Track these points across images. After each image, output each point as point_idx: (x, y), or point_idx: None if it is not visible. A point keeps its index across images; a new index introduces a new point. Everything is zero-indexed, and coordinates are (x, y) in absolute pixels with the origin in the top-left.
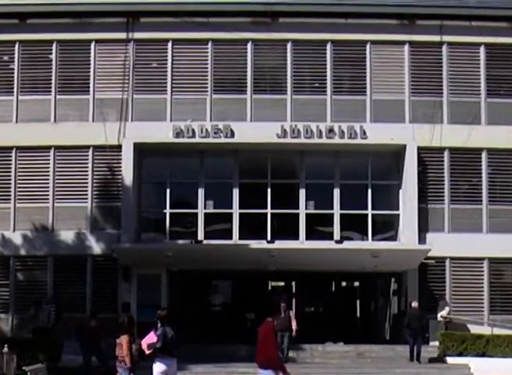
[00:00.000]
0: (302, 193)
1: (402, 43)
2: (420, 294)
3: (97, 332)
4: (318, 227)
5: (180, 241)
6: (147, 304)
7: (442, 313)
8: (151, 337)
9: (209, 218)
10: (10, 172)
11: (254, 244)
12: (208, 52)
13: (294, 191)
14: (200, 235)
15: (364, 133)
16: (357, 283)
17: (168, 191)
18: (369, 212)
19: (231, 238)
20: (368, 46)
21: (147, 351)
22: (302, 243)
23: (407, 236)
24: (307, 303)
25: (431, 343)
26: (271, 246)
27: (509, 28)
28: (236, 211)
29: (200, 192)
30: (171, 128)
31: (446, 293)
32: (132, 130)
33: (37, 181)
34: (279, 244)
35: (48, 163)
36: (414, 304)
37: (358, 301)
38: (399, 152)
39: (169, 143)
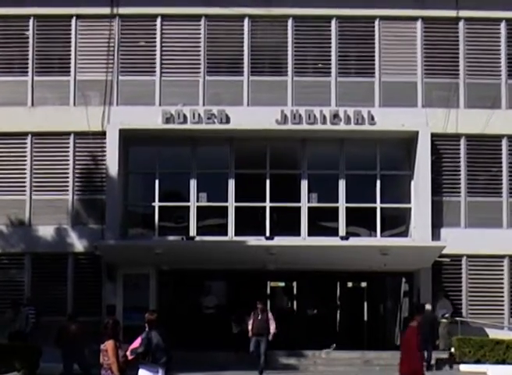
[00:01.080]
0: (304, 184)
1: (414, 19)
2: (433, 295)
3: (80, 337)
4: (322, 222)
5: (170, 238)
6: (134, 306)
7: (447, 315)
8: (137, 343)
9: (202, 212)
10: None
11: (252, 240)
12: (200, 29)
13: (295, 182)
14: (193, 231)
15: (373, 118)
16: (364, 284)
17: (157, 182)
18: (378, 205)
19: (226, 234)
20: (376, 22)
21: (130, 357)
22: (304, 239)
23: (420, 232)
24: (310, 305)
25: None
26: (270, 243)
27: None
28: (231, 204)
29: (193, 184)
30: (160, 113)
31: (463, 293)
32: (117, 115)
33: (13, 171)
34: (279, 240)
35: (25, 151)
36: (427, 306)
37: (365, 304)
38: (410, 140)
39: (158, 129)
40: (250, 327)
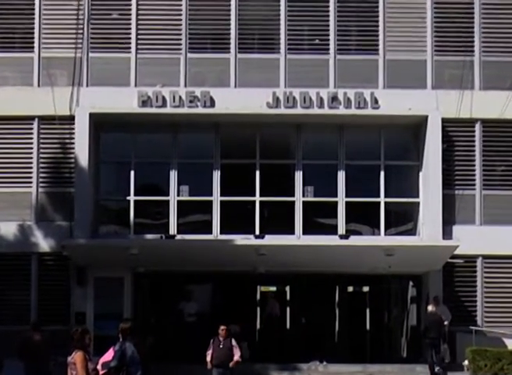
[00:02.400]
0: (299, 176)
1: None
2: (445, 300)
3: (45, 349)
4: (319, 219)
5: (148, 236)
6: (107, 314)
7: (446, 323)
8: (109, 355)
9: (183, 207)
10: None
11: (239, 239)
12: (181, 0)
13: (289, 173)
14: (173, 228)
15: (376, 101)
16: (366, 289)
17: (132, 173)
18: (382, 199)
19: (211, 232)
20: None
21: (101, 372)
22: (298, 238)
23: (429, 229)
24: (305, 313)
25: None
26: (260, 242)
27: None
28: (216, 198)
29: (173, 175)
30: (136, 95)
31: (478, 299)
32: (87, 97)
33: None
34: (270, 239)
35: None
36: (431, 308)
37: (368, 311)
38: (419, 125)
39: (134, 114)
40: (208, 358)
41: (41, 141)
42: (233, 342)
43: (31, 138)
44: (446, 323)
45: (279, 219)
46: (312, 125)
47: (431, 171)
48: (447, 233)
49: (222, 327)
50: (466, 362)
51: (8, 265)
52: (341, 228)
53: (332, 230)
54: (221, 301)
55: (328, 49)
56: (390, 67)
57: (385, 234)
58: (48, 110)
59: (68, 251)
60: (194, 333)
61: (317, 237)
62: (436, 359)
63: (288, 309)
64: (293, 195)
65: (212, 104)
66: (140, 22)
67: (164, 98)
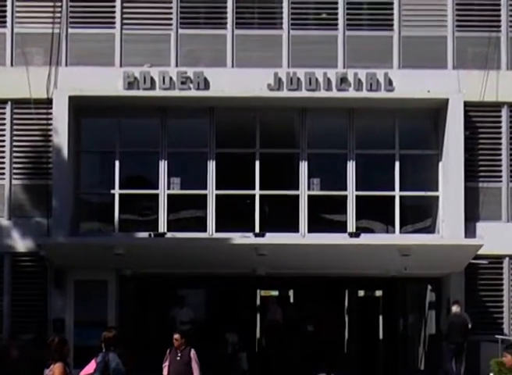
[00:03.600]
0: (303, 167)
1: None
2: (467, 306)
3: (19, 360)
4: (326, 215)
5: (135, 234)
6: (89, 321)
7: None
8: (91, 367)
9: (174, 202)
10: None
11: (237, 238)
12: None
13: (292, 164)
14: (163, 226)
15: (390, 83)
16: (379, 293)
17: (117, 163)
18: (396, 193)
19: (205, 230)
20: None
21: None
22: (303, 237)
23: (450, 226)
24: (310, 320)
25: None
26: (260, 241)
27: None
28: (211, 192)
29: (163, 166)
30: (121, 76)
31: (504, 304)
32: (66, 78)
33: None
34: (272, 238)
35: None
36: (456, 308)
37: (381, 318)
38: (438, 110)
39: (119, 97)
40: (165, 372)
41: (15, 127)
42: (193, 354)
43: (3, 124)
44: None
45: (281, 216)
46: (319, 110)
47: (452, 161)
48: (470, 231)
49: (176, 336)
50: None
51: None
52: (351, 225)
53: (340, 227)
54: (217, 308)
55: (336, 25)
56: (406, 45)
57: (401, 232)
58: (22, 93)
59: (45, 251)
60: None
61: (324, 235)
62: (456, 369)
63: (289, 315)
64: (297, 188)
65: (206, 86)
66: None
67: (152, 80)
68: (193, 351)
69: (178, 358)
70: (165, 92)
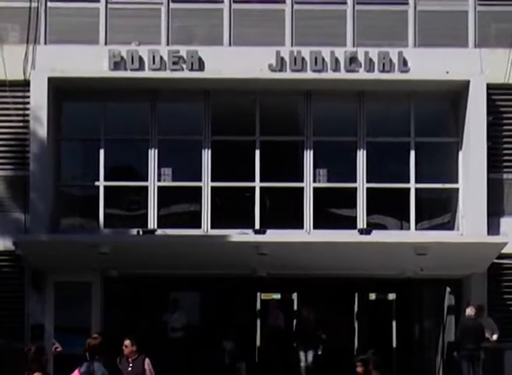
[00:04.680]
0: (308, 156)
1: None
2: (490, 310)
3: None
4: (333, 209)
5: (121, 231)
6: (71, 327)
7: (495, 337)
8: None
9: (166, 195)
10: None
11: (235, 235)
12: None
13: (296, 153)
14: (152, 222)
15: (405, 63)
16: (392, 296)
17: (102, 152)
18: (412, 185)
19: (200, 227)
20: None
21: None
22: (308, 234)
23: (471, 222)
24: (317, 326)
25: None
26: (260, 238)
27: None
28: (206, 184)
29: (152, 155)
30: (106, 55)
31: None
32: (45, 57)
33: None
34: (273, 235)
35: None
36: (470, 311)
37: (394, 323)
38: (458, 93)
39: (104, 78)
40: None
41: None
42: (147, 364)
43: None
44: (494, 337)
45: (284, 210)
46: (325, 93)
47: (473, 150)
48: (493, 228)
49: (126, 342)
50: None
51: None
52: (361, 221)
53: (349, 223)
54: (213, 312)
55: None
56: (423, 20)
57: (416, 229)
58: None
59: (22, 249)
60: (180, 353)
61: (331, 232)
62: None
63: (295, 322)
64: (301, 180)
65: (201, 66)
66: None
67: (141, 59)
68: (147, 361)
69: (129, 368)
70: (155, 73)
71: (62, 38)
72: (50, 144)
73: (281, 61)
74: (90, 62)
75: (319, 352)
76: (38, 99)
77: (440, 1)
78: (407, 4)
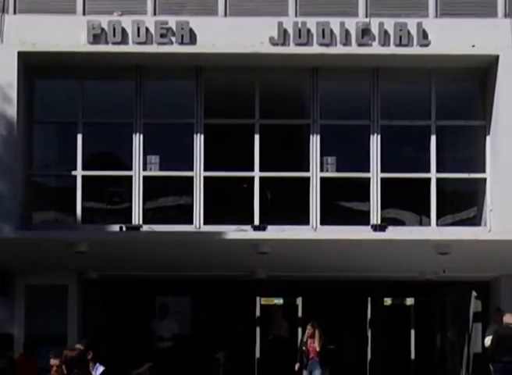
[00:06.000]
0: (315, 142)
1: None
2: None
3: None
4: (343, 202)
5: (102, 227)
6: (44, 336)
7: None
8: None
9: (152, 186)
10: None
11: (231, 232)
12: None
13: (301, 138)
14: (137, 216)
15: (425, 36)
16: (410, 301)
17: (79, 137)
18: (432, 175)
19: (191, 222)
20: None
21: None
22: (314, 230)
23: (500, 217)
24: (323, 334)
25: None
26: (260, 236)
27: None
28: (198, 174)
29: (137, 140)
30: (84, 27)
31: None
32: (15, 29)
33: None
34: (275, 231)
35: None
36: (508, 317)
37: (413, 332)
38: (486, 70)
39: (82, 53)
40: None
41: None
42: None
43: None
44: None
45: (286, 204)
46: (334, 70)
47: (502, 134)
48: None
49: (53, 361)
50: None
51: None
52: (375, 216)
53: (362, 218)
54: (206, 320)
55: None
56: None
57: (438, 225)
58: None
59: None
60: (169, 365)
61: (340, 228)
62: None
63: (300, 330)
64: (306, 169)
65: (192, 40)
66: None
67: (124, 32)
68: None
69: None
70: (140, 47)
71: (34, 7)
72: (20, 128)
73: (284, 33)
74: (65, 34)
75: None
76: (7, 76)
77: None
78: None
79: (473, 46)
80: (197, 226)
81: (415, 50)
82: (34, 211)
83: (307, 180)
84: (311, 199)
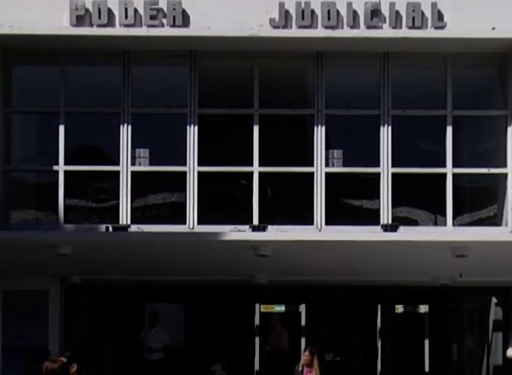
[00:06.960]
0: (319, 134)
1: None
2: None
3: None
4: (350, 200)
5: (86, 227)
6: (23, 347)
7: None
8: None
9: (142, 182)
10: None
11: (228, 232)
12: None
13: (305, 130)
14: (125, 216)
15: (440, 17)
16: (424, 308)
17: (61, 129)
18: (448, 170)
19: (184, 222)
20: None
21: None
22: (319, 231)
23: None
24: (329, 345)
25: None
26: (259, 237)
27: None
28: (192, 169)
29: (125, 132)
30: (67, 7)
31: None
32: None
33: None
34: (275, 232)
35: None
36: None
37: (427, 343)
38: (507, 55)
39: (64, 36)
40: None
41: None
42: None
43: None
44: None
45: (288, 202)
46: (341, 55)
47: None
48: None
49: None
50: None
51: None
52: (385, 215)
53: (371, 217)
54: (199, 329)
55: None
56: None
57: (454, 225)
58: None
59: None
60: None
61: (347, 228)
62: None
63: (304, 340)
64: (310, 164)
65: (185, 22)
66: None
67: (110, 13)
68: None
69: None
70: (128, 30)
71: None
72: None
73: (285, 15)
74: (46, 15)
75: None
76: None
77: None
78: None
79: (493, 29)
80: (191, 226)
81: (429, 33)
82: (12, 210)
83: (311, 175)
84: (315, 197)
